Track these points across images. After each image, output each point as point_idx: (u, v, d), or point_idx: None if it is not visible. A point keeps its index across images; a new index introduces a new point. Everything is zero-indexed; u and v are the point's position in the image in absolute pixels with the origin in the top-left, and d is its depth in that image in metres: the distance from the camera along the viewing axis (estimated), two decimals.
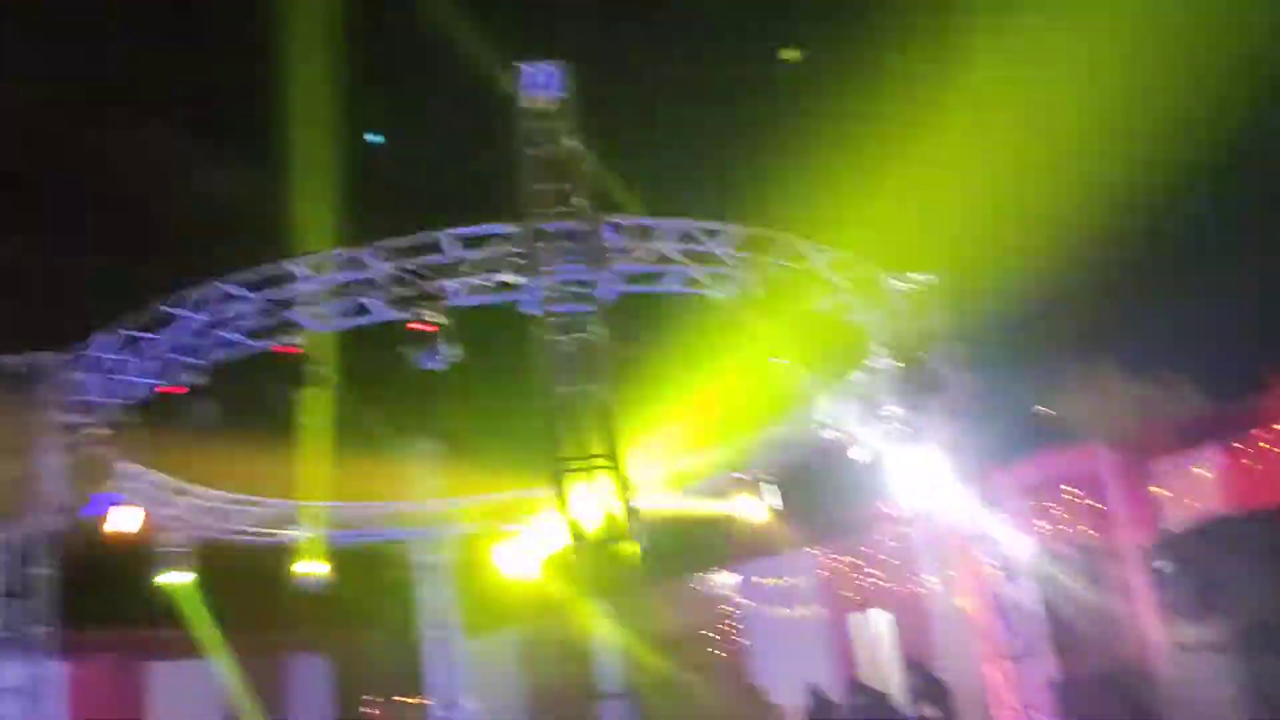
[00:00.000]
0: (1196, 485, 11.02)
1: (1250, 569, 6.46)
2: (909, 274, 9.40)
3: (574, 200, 6.87)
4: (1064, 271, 12.82)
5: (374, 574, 14.62)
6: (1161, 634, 10.56)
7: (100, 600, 11.01)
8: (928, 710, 11.56)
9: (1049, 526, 12.07)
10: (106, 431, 7.88)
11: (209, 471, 10.70)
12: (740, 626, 14.41)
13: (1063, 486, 12.09)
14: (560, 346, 6.30)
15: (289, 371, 7.42)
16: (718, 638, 14.56)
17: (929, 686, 11.78)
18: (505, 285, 7.38)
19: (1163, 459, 11.48)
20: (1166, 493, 11.26)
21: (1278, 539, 6.61)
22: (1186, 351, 12.95)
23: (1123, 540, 11.15)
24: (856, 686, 12.26)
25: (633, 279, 7.77)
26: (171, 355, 7.91)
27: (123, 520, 9.29)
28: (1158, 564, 7.37)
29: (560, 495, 6.11)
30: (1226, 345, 13.03)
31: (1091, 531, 11.64)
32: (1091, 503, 11.79)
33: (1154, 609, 10.63)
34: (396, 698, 15.06)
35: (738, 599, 14.50)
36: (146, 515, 10.05)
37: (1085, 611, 10.63)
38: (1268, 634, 6.27)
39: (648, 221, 7.72)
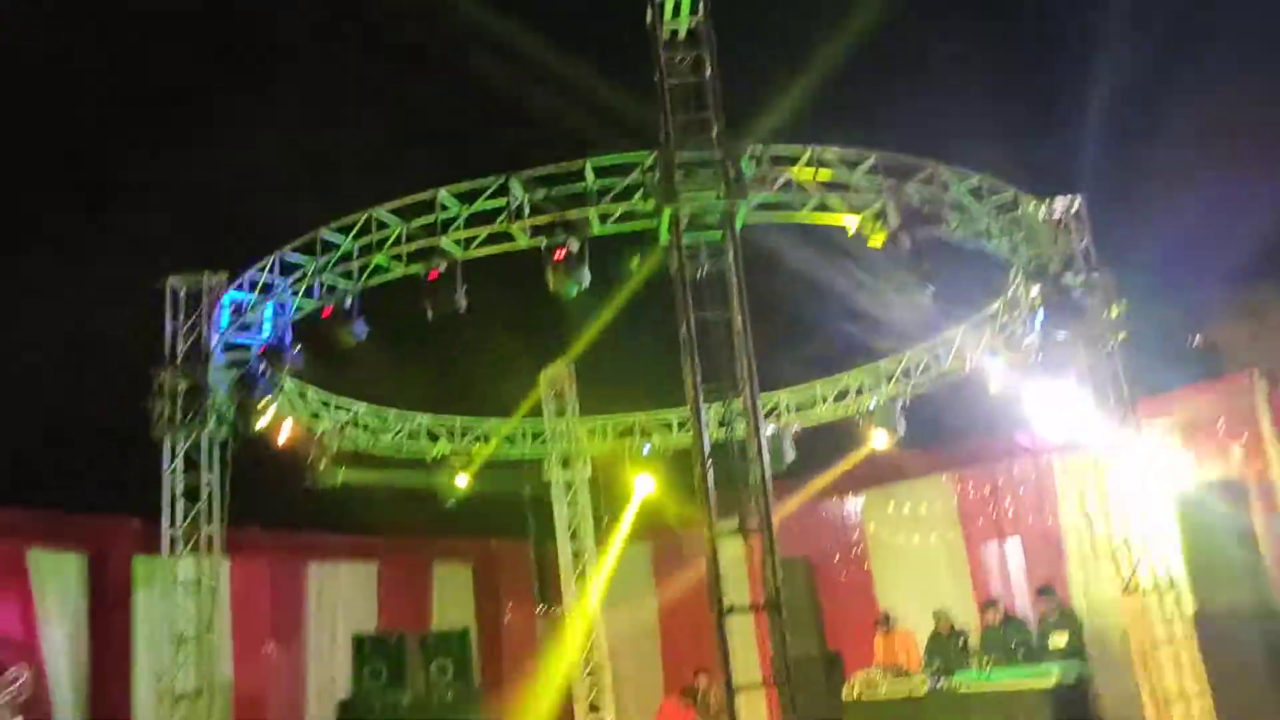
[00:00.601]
0: None
1: None
2: (1052, 197, 9.14)
3: (710, 129, 6.92)
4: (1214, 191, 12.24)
5: (514, 489, 15.26)
6: None
7: (263, 504, 11.81)
8: (1056, 638, 11.50)
9: (1196, 459, 11.73)
10: (270, 350, 8.40)
11: (361, 388, 11.31)
12: (869, 551, 14.48)
13: (1213, 418, 11.71)
14: (693, 274, 6.41)
15: (435, 295, 7.76)
16: (845, 562, 14.67)
17: (1059, 615, 11.70)
18: (643, 214, 7.55)
19: None
20: None
21: None
22: None
23: (1273, 476, 10.76)
24: (987, 604, 12.25)
25: (767, 207, 7.82)
26: (326, 278, 8.36)
27: (280, 430, 9.93)
28: None
29: (694, 419, 6.27)
30: None
31: (1241, 465, 11.27)
32: (1243, 435, 11.40)
33: None
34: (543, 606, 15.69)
35: (868, 525, 14.55)
36: (303, 427, 10.75)
37: (1227, 547, 10.35)
38: None
39: (782, 149, 7.73)
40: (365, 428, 11.49)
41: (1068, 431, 9.67)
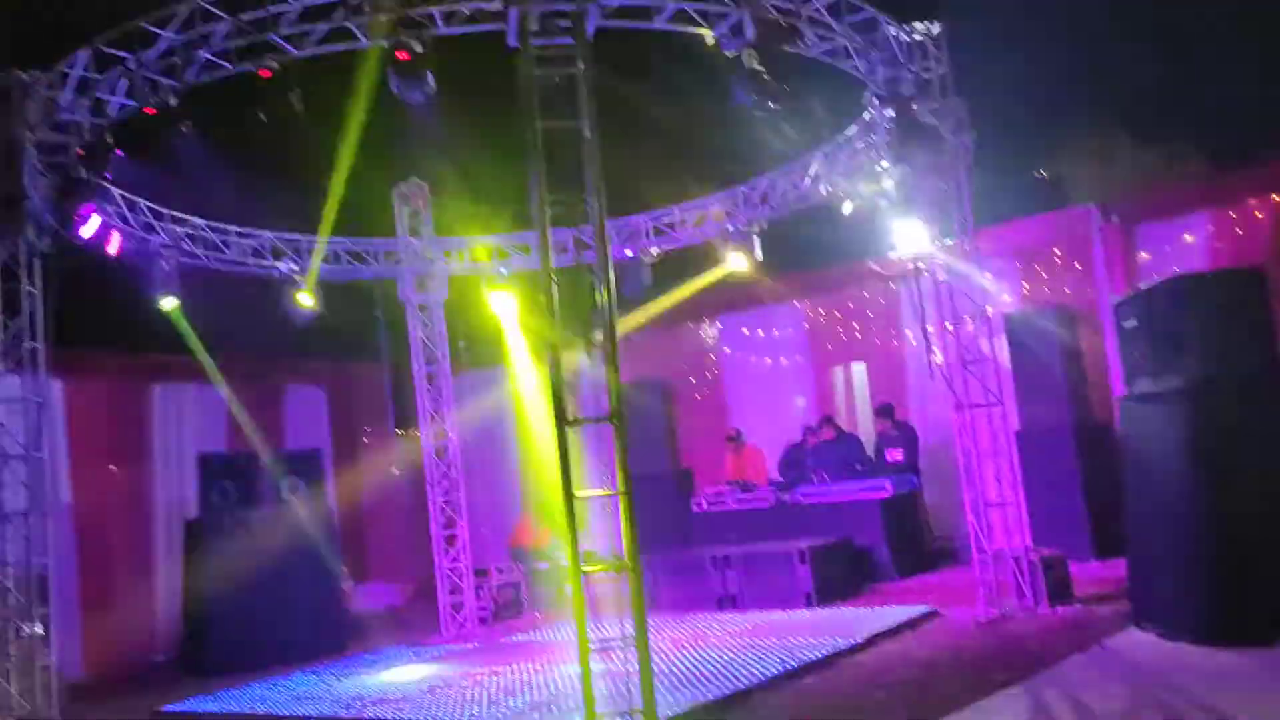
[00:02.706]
0: (1181, 251, 11.18)
1: (1206, 324, 6.59)
2: (911, 22, 9.07)
3: None
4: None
5: (367, 310, 14.98)
6: (1121, 389, 10.98)
7: (96, 323, 11.26)
8: (893, 453, 12.14)
9: (1032, 285, 12.28)
10: (89, 152, 7.82)
11: (196, 199, 10.72)
12: (723, 374, 14.86)
13: (1051, 248, 12.23)
14: (542, 80, 6.14)
15: (270, 98, 7.30)
16: (702, 384, 15.03)
17: (897, 432, 12.32)
18: (491, 15, 7.19)
19: (1153, 225, 11.59)
20: (1150, 257, 11.45)
21: (1235, 295, 6.70)
22: (1189, 119, 12.75)
23: (1100, 302, 11.37)
24: (825, 420, 12.80)
25: (621, 12, 7.53)
26: (151, 75, 7.75)
27: (105, 241, 9.39)
28: (1124, 321, 7.49)
29: (542, 236, 6.13)
30: (1230, 115, 12.80)
31: (1070, 292, 11.87)
32: (1077, 265, 11.97)
33: (1118, 366, 11.01)
34: (392, 429, 15.70)
35: (722, 349, 14.87)
36: (134, 239, 10.17)
37: (1053, 367, 10.99)
38: (1212, 387, 6.48)
39: None
40: (205, 244, 10.95)
41: (914, 258, 9.92)
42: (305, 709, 8.26)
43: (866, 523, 11.40)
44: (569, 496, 5.61)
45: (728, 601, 10.81)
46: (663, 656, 8.26)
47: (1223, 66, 12.54)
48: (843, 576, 10.69)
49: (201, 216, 10.92)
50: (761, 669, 7.37)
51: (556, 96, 6.42)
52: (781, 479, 12.69)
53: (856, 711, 6.07)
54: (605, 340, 6.13)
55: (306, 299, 11.39)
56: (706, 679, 7.28)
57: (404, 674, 9.38)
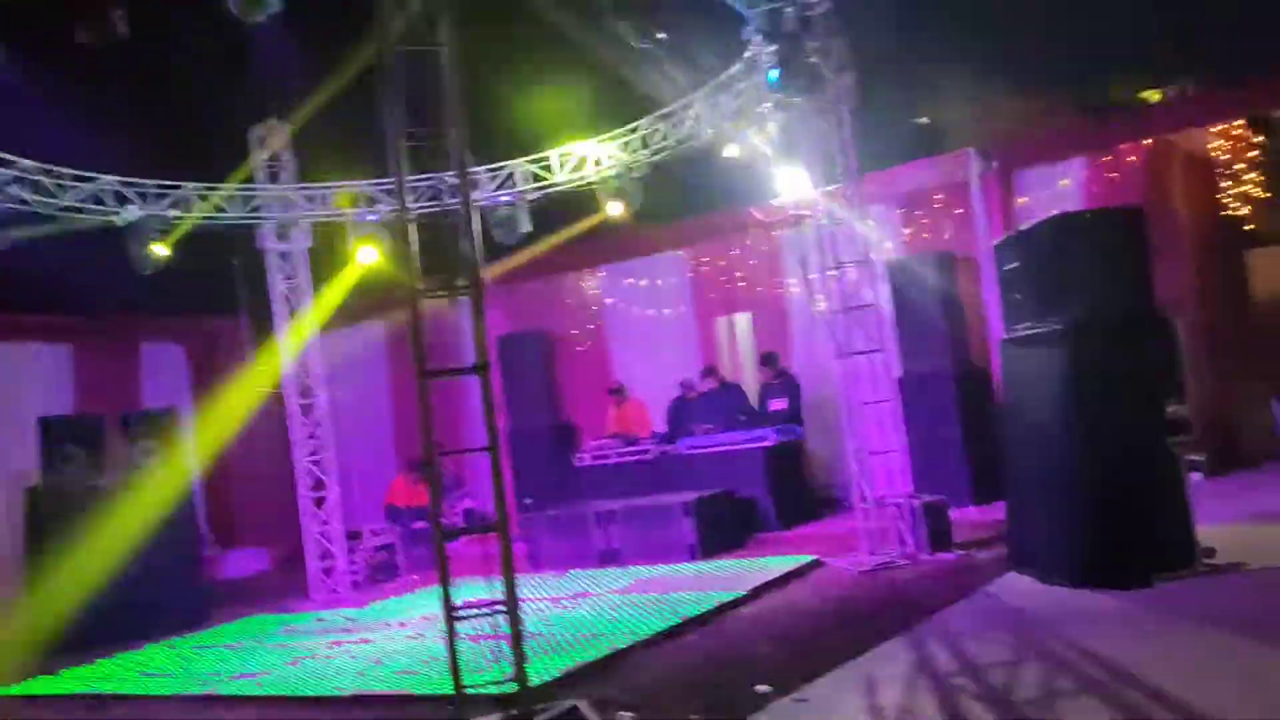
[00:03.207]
0: (1058, 195, 11.24)
1: (1087, 264, 6.50)
2: None
3: None
4: None
5: (225, 261, 14.11)
6: (1001, 332, 11.03)
7: None
8: (777, 403, 12.02)
9: (913, 232, 12.23)
10: None
11: (24, 138, 9.78)
12: (605, 326, 14.51)
13: (931, 194, 12.17)
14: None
15: (89, 17, 6.56)
16: (584, 336, 14.66)
17: (780, 381, 12.19)
18: None
19: (1031, 170, 11.62)
20: (1028, 201, 11.48)
21: (1116, 234, 6.62)
22: (1065, 66, 12.80)
23: (980, 248, 11.37)
24: (707, 371, 12.58)
25: None
26: None
27: None
28: (1004, 263, 7.38)
29: (399, 174, 5.64)
30: (1104, 62, 12.89)
31: (951, 238, 11.85)
32: (957, 210, 11.94)
33: (997, 308, 11.05)
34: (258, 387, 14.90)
35: (604, 299, 14.51)
36: None
37: (934, 314, 10.96)
38: (1091, 328, 6.41)
39: None
40: (36, 189, 10.01)
41: (796, 204, 9.71)
42: (156, 686, 7.69)
43: (750, 474, 11.25)
44: (429, 453, 5.19)
45: (610, 557, 10.55)
46: (541, 617, 7.94)
47: (1098, 15, 12.59)
48: (726, 528, 10.53)
49: (31, 158, 9.97)
50: (643, 626, 7.11)
51: (425, 32, 5.91)
52: (668, 431, 12.43)
53: (740, 667, 5.85)
54: (471, 288, 5.70)
55: (159, 249, 10.55)
56: (585, 640, 6.99)
57: (267, 643, 8.86)
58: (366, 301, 15.37)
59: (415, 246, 5.60)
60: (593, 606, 8.14)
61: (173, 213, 10.78)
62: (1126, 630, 5.59)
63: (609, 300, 14.46)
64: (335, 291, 11.85)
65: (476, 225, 7.43)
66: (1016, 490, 7.48)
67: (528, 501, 12.22)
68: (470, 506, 14.49)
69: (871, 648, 5.84)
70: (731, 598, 7.70)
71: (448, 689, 5.08)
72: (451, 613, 4.93)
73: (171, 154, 11.26)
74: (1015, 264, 7.24)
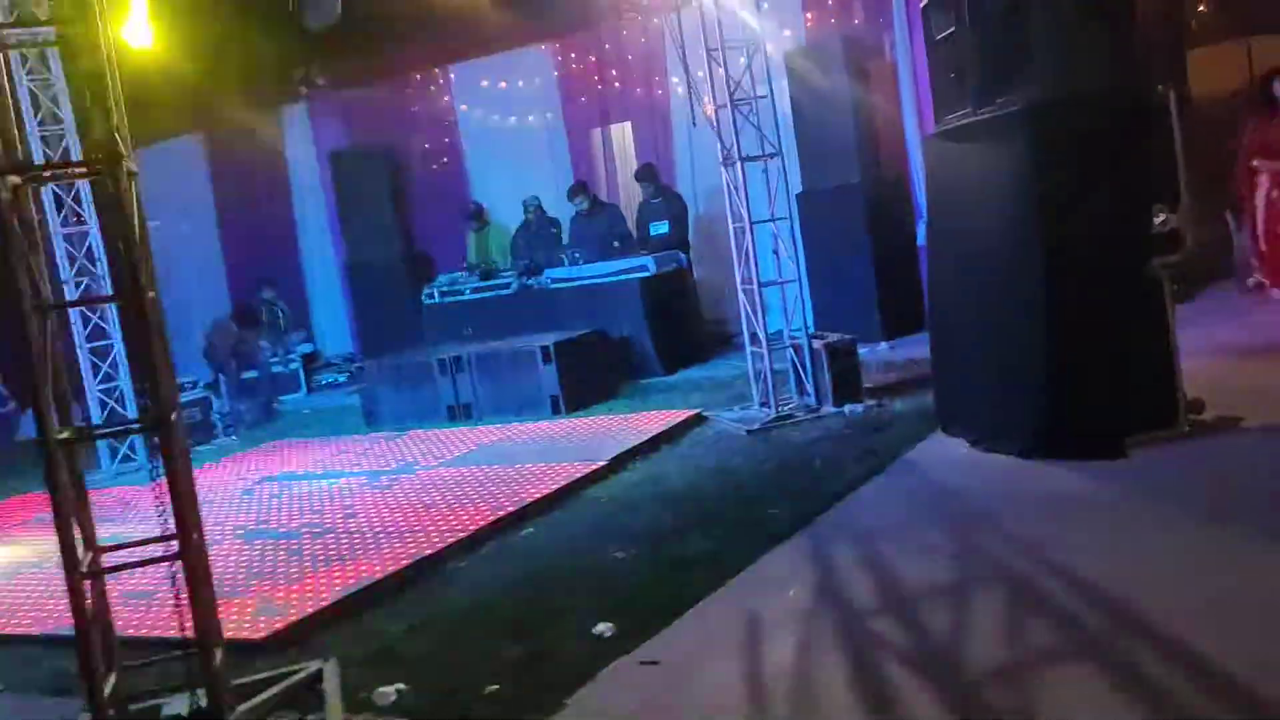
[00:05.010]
0: None
1: (1054, 25, 4.72)
2: None
3: None
4: None
5: None
6: (917, 129, 9.31)
7: None
8: (656, 226, 10.20)
9: (815, 16, 10.24)
10: None
11: None
12: (460, 138, 12.36)
13: None
14: None
15: None
16: (437, 151, 12.52)
17: (661, 199, 10.35)
18: None
19: None
20: None
21: None
22: None
23: (896, 32, 9.50)
24: (574, 188, 10.60)
25: None
26: None
27: None
28: (936, 30, 5.53)
29: None
30: None
31: (861, 23, 9.92)
32: None
33: (918, 99, 9.29)
34: None
35: (459, 106, 12.30)
36: None
37: (841, 113, 9.12)
38: (1059, 107, 4.67)
39: None
40: None
41: None
42: None
43: (626, 309, 9.50)
44: None
45: (460, 411, 8.85)
46: (342, 503, 6.23)
47: None
48: (598, 375, 8.85)
49: None
50: (464, 519, 5.42)
51: None
52: (523, 259, 10.52)
53: (569, 594, 4.21)
54: None
55: None
56: (391, 535, 5.30)
57: None
58: (178, 113, 12.98)
59: None
60: (405, 493, 6.36)
61: None
62: (1095, 523, 4.09)
63: (463, 107, 12.24)
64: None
65: None
66: (945, 328, 5.87)
67: (468, 332, 10.06)
68: (311, 350, 12.58)
69: (754, 559, 4.24)
70: (585, 470, 6.05)
71: None
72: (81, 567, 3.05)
73: None
74: (950, 29, 5.40)
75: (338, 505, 6.24)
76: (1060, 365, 4.89)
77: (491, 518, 5.36)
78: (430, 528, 5.34)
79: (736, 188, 7.12)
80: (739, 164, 7.06)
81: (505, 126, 12.04)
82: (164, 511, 3.05)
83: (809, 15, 10.22)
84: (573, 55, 11.62)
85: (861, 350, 7.31)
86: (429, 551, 4.94)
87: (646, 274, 9.49)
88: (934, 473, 5.11)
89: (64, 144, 9.07)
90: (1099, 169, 4.72)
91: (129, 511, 6.69)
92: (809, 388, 7.00)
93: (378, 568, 4.79)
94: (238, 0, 10.28)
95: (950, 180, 5.63)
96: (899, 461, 5.35)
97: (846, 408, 6.75)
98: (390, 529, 5.49)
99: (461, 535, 5.12)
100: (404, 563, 4.81)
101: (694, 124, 8.17)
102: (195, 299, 12.95)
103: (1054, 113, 4.74)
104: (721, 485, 5.52)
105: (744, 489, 5.38)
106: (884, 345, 8.83)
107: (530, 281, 10.09)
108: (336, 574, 4.80)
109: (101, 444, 9.21)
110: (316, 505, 6.34)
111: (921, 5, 5.92)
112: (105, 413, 9.19)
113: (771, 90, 7.28)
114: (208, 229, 13.68)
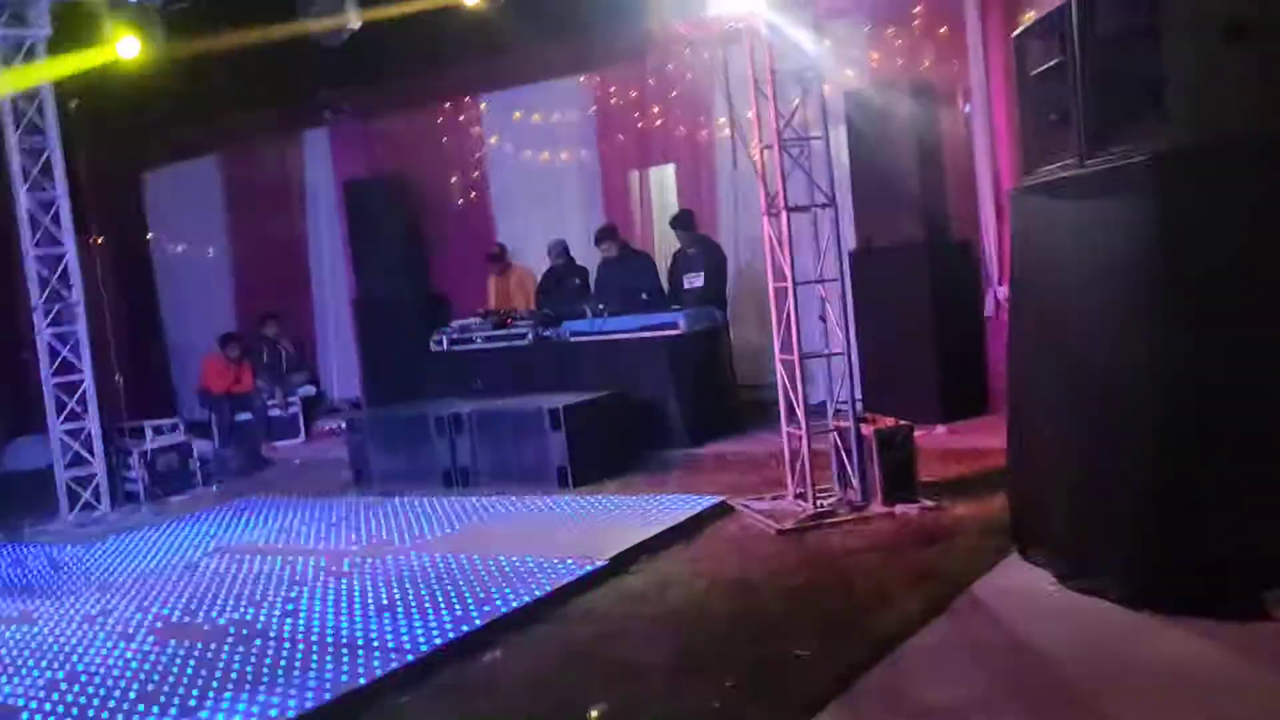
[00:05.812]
0: None
1: (1198, 56, 3.66)
2: None
3: None
4: None
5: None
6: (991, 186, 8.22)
7: None
8: (692, 278, 9.18)
9: (882, 57, 9.23)
10: None
11: None
12: (489, 172, 11.47)
13: (909, 8, 9.13)
14: None
15: None
16: (463, 186, 11.64)
17: (696, 250, 9.32)
18: None
19: None
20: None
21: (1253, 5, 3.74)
22: None
23: (972, 78, 8.45)
24: (602, 233, 9.58)
25: None
26: None
27: None
28: (1032, 63, 4.49)
29: None
30: None
31: (931, 66, 8.87)
32: (940, 30, 8.94)
33: (993, 151, 8.20)
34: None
35: (487, 138, 11.42)
36: None
37: (905, 162, 8.06)
38: (1202, 158, 3.61)
39: None
40: None
41: (736, 17, 6.65)
42: None
43: (652, 370, 8.46)
44: None
45: (457, 477, 7.86)
46: (307, 597, 5.21)
47: None
48: (612, 445, 7.80)
49: None
50: (421, 633, 4.38)
51: None
52: (546, 309, 9.54)
53: None
54: None
55: None
56: (326, 649, 4.27)
57: None
58: (196, 133, 12.30)
59: None
60: (363, 585, 5.31)
61: None
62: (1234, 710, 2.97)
63: (493, 139, 11.35)
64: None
65: None
66: (1025, 423, 4.76)
67: (477, 384, 9.08)
68: (313, 394, 11.69)
69: None
70: (578, 573, 4.99)
71: None
72: None
73: None
74: (1052, 62, 4.35)
75: (283, 596, 5.23)
76: (1178, 487, 3.77)
77: (453, 634, 4.31)
78: (377, 643, 4.30)
79: (780, 241, 6.09)
80: (784, 214, 6.04)
81: (536, 162, 11.12)
82: None
83: (874, 54, 9.22)
84: (613, 89, 10.69)
85: (917, 433, 6.20)
86: (363, 682, 3.89)
87: (676, 332, 8.44)
88: (1012, 620, 3.95)
89: (45, 156, 8.34)
90: (1253, 237, 3.63)
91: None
92: (854, 482, 5.91)
93: (291, 702, 3.75)
94: (259, 19, 9.50)
95: (1044, 244, 4.56)
96: (966, 597, 4.22)
97: (898, 508, 5.66)
98: (330, 639, 4.45)
99: (409, 661, 4.06)
100: (325, 698, 3.77)
101: (735, 166, 7.17)
102: (201, 331, 12.17)
103: (1192, 163, 3.66)
104: (739, 607, 4.43)
105: (766, 615, 4.29)
106: (941, 429, 7.70)
107: (548, 333, 9.10)
108: (240, 705, 3.78)
109: (60, 488, 8.32)
110: (258, 593, 5.33)
111: (1014, 35, 4.89)
112: (68, 457, 8.35)
113: (827, 133, 6.27)
114: (219, 256, 12.92)
